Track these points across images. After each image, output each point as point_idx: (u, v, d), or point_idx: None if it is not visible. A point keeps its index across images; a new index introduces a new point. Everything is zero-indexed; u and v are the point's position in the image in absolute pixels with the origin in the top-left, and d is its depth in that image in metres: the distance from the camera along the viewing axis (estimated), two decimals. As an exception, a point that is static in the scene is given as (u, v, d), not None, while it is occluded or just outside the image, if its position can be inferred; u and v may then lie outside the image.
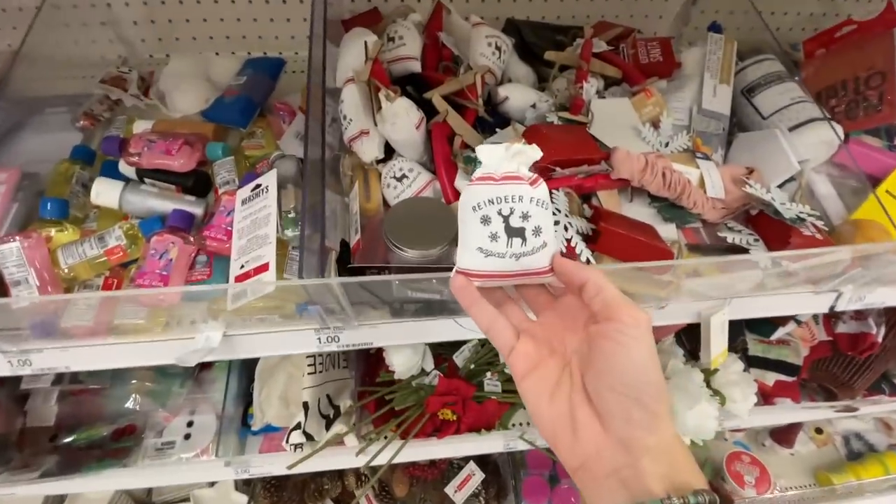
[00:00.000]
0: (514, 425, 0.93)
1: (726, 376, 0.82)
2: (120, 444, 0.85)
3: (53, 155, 0.68)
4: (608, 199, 0.59)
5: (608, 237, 0.52)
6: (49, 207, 0.58)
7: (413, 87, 0.67)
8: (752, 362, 0.91)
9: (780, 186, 0.66)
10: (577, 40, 0.75)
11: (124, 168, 0.65)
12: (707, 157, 0.66)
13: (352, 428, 0.77)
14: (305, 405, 0.73)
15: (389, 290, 0.52)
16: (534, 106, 0.65)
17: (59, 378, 0.85)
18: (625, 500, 0.29)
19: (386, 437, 0.80)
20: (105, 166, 0.66)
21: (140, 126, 0.69)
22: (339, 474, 1.05)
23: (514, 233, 0.35)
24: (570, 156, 0.56)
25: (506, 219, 0.35)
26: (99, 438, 0.86)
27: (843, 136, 0.67)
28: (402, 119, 0.56)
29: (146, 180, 0.64)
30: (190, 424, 0.87)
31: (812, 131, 0.65)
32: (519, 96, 0.66)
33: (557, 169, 0.56)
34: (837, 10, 0.98)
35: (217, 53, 0.88)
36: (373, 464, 0.79)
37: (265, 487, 1.02)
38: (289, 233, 0.54)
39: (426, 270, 0.51)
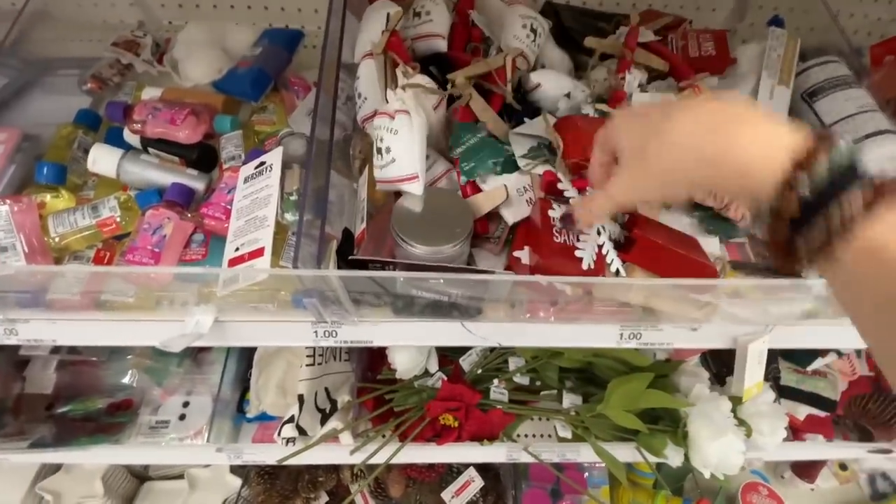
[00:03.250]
0: (519, 436, 0.88)
1: (755, 406, 0.75)
2: (115, 419, 0.83)
3: (60, 118, 0.66)
4: (645, 205, 0.53)
5: (644, 247, 0.46)
6: (45, 172, 0.55)
7: (437, 67, 0.62)
8: (783, 392, 0.84)
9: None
10: (621, 29, 0.69)
11: (129, 136, 0.61)
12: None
13: (348, 425, 0.73)
14: (301, 398, 0.69)
15: (393, 287, 0.48)
16: (568, 95, 0.59)
17: (58, 347, 0.83)
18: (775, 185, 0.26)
19: (384, 437, 0.77)
20: (110, 133, 0.63)
21: (148, 93, 0.65)
22: (335, 467, 1.03)
23: (377, 151, 0.49)
24: None
25: (376, 141, 0.49)
26: (94, 411, 0.84)
27: (916, 152, 0.59)
28: (421, 99, 0.51)
29: (150, 150, 0.61)
30: (186, 405, 0.84)
31: (881, 145, 0.58)
32: (552, 84, 0.60)
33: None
34: (910, 14, 0.89)
35: (237, 24, 0.84)
36: (369, 463, 0.75)
37: (259, 474, 1.00)
38: (289, 216, 0.50)
39: (435, 269, 0.46)
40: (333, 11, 0.56)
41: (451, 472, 1.02)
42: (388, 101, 0.48)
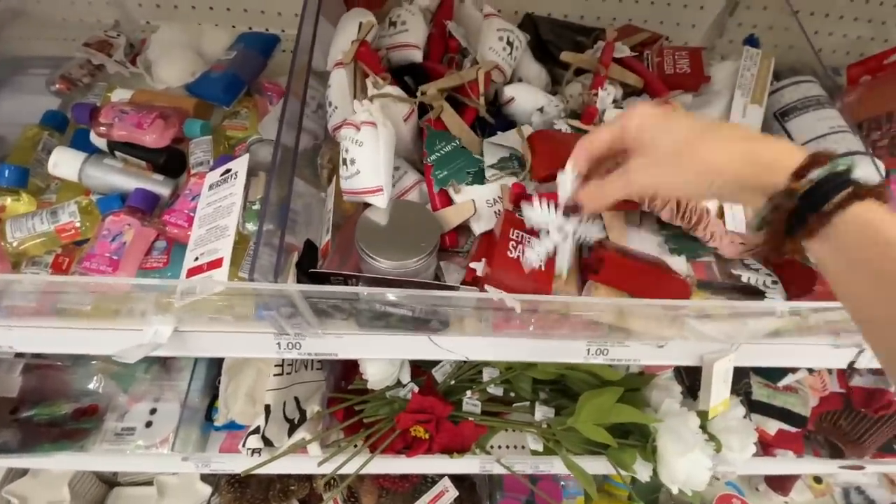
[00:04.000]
0: (493, 447, 0.88)
1: (725, 422, 0.75)
2: (79, 425, 0.82)
3: (30, 118, 0.64)
4: (613, 222, 0.53)
5: (612, 265, 0.46)
6: (6, 175, 0.54)
7: (412, 77, 0.62)
8: (754, 407, 0.84)
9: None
10: (599, 43, 0.69)
11: (96, 139, 0.60)
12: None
13: (316, 436, 0.72)
14: (267, 408, 0.68)
15: (357, 301, 0.47)
16: (541, 110, 0.59)
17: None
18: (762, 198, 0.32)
19: (356, 446, 0.76)
20: (77, 135, 0.62)
21: (118, 95, 0.64)
22: (308, 476, 1.01)
23: (343, 162, 0.48)
24: None
25: (342, 152, 0.48)
26: (60, 416, 0.82)
27: (884, 174, 0.60)
28: (390, 109, 0.50)
29: (117, 154, 0.60)
30: (153, 412, 0.83)
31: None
32: (526, 98, 0.60)
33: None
34: (888, 35, 0.90)
35: (217, 25, 0.84)
36: (342, 472, 0.74)
37: (229, 482, 0.98)
38: (250, 226, 0.49)
39: (396, 284, 0.46)
40: (306, 17, 0.55)
41: (425, 481, 1.01)
42: (355, 112, 0.47)
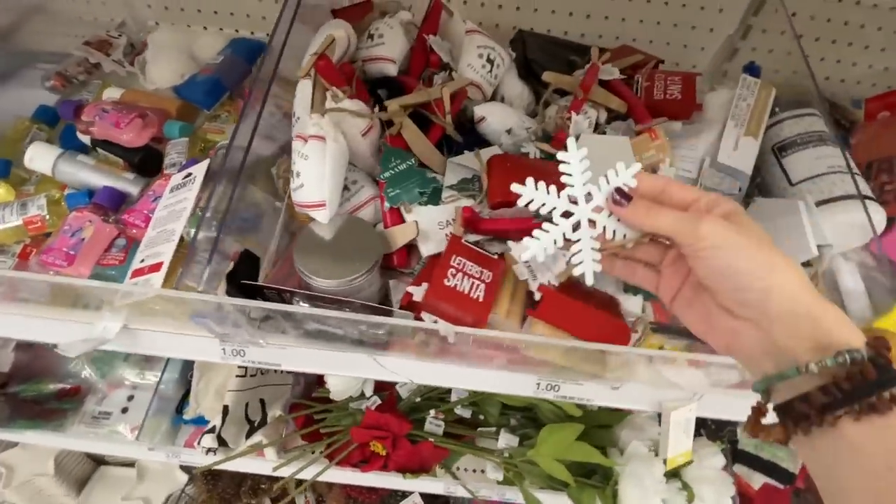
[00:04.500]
0: (459, 469, 0.86)
1: (701, 470, 0.70)
2: (60, 405, 0.85)
3: (28, 112, 0.68)
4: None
5: (550, 302, 0.44)
6: (-12, 164, 0.57)
7: (388, 91, 0.61)
8: (739, 457, 0.78)
9: (794, 269, 0.54)
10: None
11: (82, 135, 0.62)
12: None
13: (273, 441, 0.72)
14: (225, 409, 0.69)
15: (290, 315, 0.46)
16: (509, 131, 0.57)
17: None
18: (772, 368, 0.29)
19: (314, 453, 0.75)
20: (66, 131, 0.65)
21: (109, 93, 0.67)
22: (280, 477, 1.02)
23: (292, 174, 0.48)
24: None
25: (292, 163, 0.48)
26: (45, 394, 0.86)
27: (884, 222, 0.55)
28: (348, 124, 0.50)
29: (99, 150, 0.62)
30: (130, 398, 0.85)
31: (841, 210, 0.53)
32: (497, 118, 0.58)
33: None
34: (921, 68, 0.83)
35: (221, 29, 0.86)
36: (299, 477, 0.74)
37: (203, 474, 0.99)
38: (192, 231, 0.49)
39: (335, 302, 0.45)
40: (280, 24, 0.55)
41: (395, 494, 1.00)
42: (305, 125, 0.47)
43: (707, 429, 0.79)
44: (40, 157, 0.56)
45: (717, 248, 0.29)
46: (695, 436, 0.76)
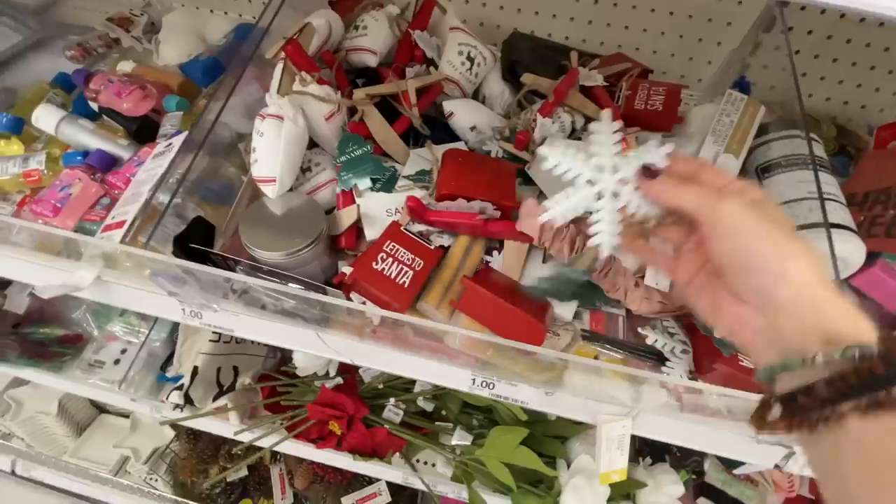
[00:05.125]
0: (418, 461, 0.87)
1: (657, 496, 0.68)
2: (61, 349, 0.92)
3: (51, 77, 0.74)
4: (512, 253, 0.51)
5: (472, 294, 0.44)
6: (3, 121, 0.63)
7: (367, 81, 0.63)
8: (704, 490, 0.75)
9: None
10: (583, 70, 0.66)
11: (92, 102, 0.68)
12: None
13: (237, 406, 0.76)
14: (195, 370, 0.73)
15: (239, 283, 0.49)
16: (473, 129, 0.58)
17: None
18: (776, 359, 0.28)
19: (280, 423, 0.78)
20: (80, 97, 0.71)
21: (123, 66, 0.72)
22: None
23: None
24: (471, 194, 0.49)
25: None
26: (50, 338, 0.94)
27: (863, 255, 0.51)
28: (312, 108, 0.52)
29: (105, 117, 0.68)
30: (123, 352, 0.92)
31: (811, 239, 0.51)
32: (464, 115, 0.59)
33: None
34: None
35: (240, 15, 0.91)
36: (259, 444, 0.78)
37: (187, 432, 1.05)
38: (161, 197, 0.53)
39: (273, 274, 0.47)
40: (270, 6, 0.58)
41: (360, 479, 1.02)
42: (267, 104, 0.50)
43: (672, 455, 0.76)
44: (45, 117, 0.62)
45: (735, 228, 0.29)
46: (657, 461, 0.74)
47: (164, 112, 0.68)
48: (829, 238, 0.48)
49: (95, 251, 0.51)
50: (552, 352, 0.43)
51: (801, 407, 0.26)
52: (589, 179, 0.32)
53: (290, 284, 0.46)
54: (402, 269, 0.45)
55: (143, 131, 0.66)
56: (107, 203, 0.59)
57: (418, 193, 0.52)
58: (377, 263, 0.44)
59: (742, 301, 0.30)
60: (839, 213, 0.53)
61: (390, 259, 0.45)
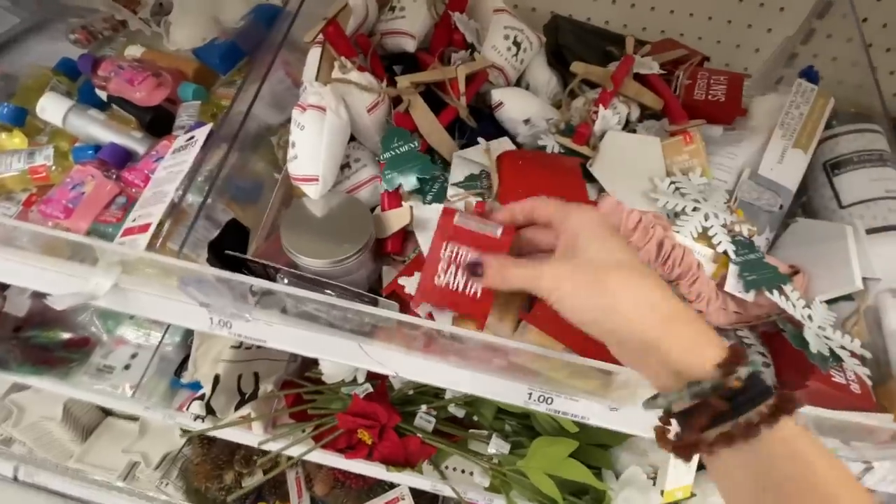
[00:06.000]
0: (447, 468, 0.83)
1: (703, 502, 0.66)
2: (68, 354, 0.87)
3: (52, 63, 0.68)
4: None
5: (544, 306, 0.40)
6: (4, 112, 0.57)
7: (405, 67, 0.58)
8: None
9: (832, 302, 0.49)
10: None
11: (99, 90, 0.62)
12: (747, 239, 0.50)
13: (261, 415, 0.72)
14: (216, 378, 0.69)
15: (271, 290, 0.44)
16: (527, 121, 0.53)
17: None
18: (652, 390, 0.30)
19: (304, 432, 0.74)
20: (86, 85, 0.65)
21: (131, 51, 0.66)
22: (273, 449, 1.02)
23: (289, 144, 0.45)
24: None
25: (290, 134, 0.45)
26: (56, 342, 0.89)
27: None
28: (353, 97, 0.47)
29: (114, 106, 0.62)
30: (134, 356, 0.87)
31: (894, 241, 0.47)
32: (516, 105, 0.54)
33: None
34: None
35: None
36: (287, 453, 0.74)
37: (200, 437, 1.01)
38: (190, 197, 0.48)
39: (319, 283, 0.43)
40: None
41: (382, 484, 0.99)
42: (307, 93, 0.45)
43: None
44: (52, 107, 0.56)
45: (560, 301, 0.31)
46: (701, 469, 0.71)
47: (178, 101, 0.62)
48: (925, 243, 0.44)
49: (114, 258, 0.46)
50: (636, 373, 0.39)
51: (682, 432, 0.28)
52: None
53: (332, 293, 0.41)
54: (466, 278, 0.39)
55: (158, 122, 0.60)
56: (123, 203, 0.53)
57: (474, 202, 0.48)
58: (439, 277, 0.38)
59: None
60: (922, 214, 0.49)
61: (452, 267, 0.39)
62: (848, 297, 0.48)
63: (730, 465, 0.27)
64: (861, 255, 0.47)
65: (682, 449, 0.28)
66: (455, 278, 0.38)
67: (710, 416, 0.26)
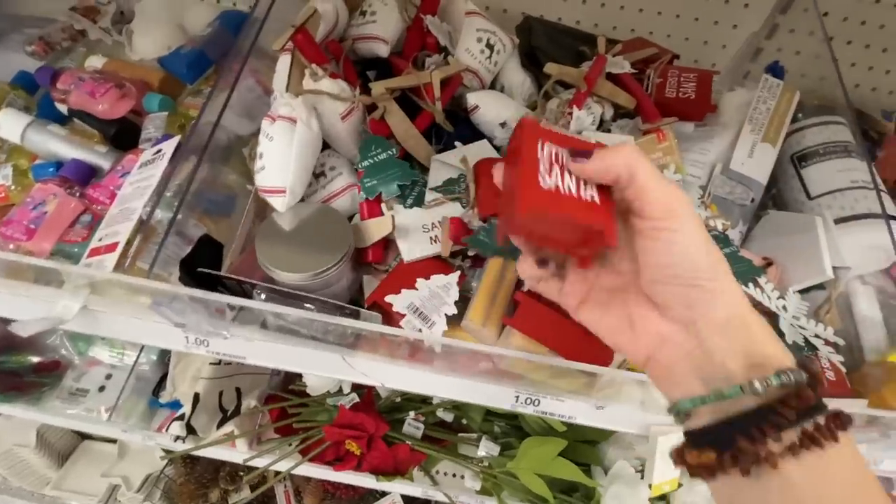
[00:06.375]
0: (437, 473, 0.83)
1: (691, 496, 0.67)
2: (39, 379, 0.84)
3: (9, 77, 0.65)
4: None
5: (528, 311, 0.40)
6: (-43, 129, 0.54)
7: (379, 73, 0.57)
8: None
9: (805, 292, 0.50)
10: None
11: (60, 104, 0.60)
12: (721, 233, 0.51)
13: (244, 432, 0.70)
14: (196, 397, 0.67)
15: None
16: (503, 124, 0.53)
17: None
18: (700, 388, 0.25)
19: (291, 445, 0.73)
20: (45, 98, 0.62)
21: (91, 62, 0.64)
22: (259, 464, 1.00)
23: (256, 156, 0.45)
24: None
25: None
26: (25, 366, 0.85)
27: (910, 246, 0.49)
28: (326, 105, 0.46)
29: (76, 120, 0.59)
30: (108, 377, 0.84)
31: (862, 230, 0.49)
32: (492, 108, 0.54)
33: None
34: (965, 78, 0.76)
35: (218, 1, 0.82)
36: (274, 468, 0.72)
37: (182, 457, 0.98)
38: (158, 213, 0.46)
39: (298, 297, 0.42)
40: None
41: (373, 492, 0.98)
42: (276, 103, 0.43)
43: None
44: (9, 123, 0.53)
45: (680, 231, 0.25)
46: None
47: (144, 113, 0.60)
48: (890, 230, 0.46)
49: (81, 280, 0.44)
50: (622, 373, 0.39)
51: (738, 447, 0.23)
52: None
53: (313, 308, 0.41)
54: (578, 179, 0.26)
55: (123, 135, 0.58)
56: (88, 221, 0.51)
57: (451, 207, 0.47)
58: (544, 179, 0.25)
59: (668, 318, 0.27)
60: (887, 201, 0.51)
61: (557, 167, 0.26)
62: (820, 287, 0.50)
63: (796, 477, 0.22)
64: (831, 244, 0.49)
65: (742, 462, 0.23)
66: (564, 180, 0.26)
67: (801, 410, 0.22)
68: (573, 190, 0.26)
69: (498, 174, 0.29)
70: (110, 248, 0.43)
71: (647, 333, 0.27)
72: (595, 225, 0.26)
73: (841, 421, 0.22)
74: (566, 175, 0.26)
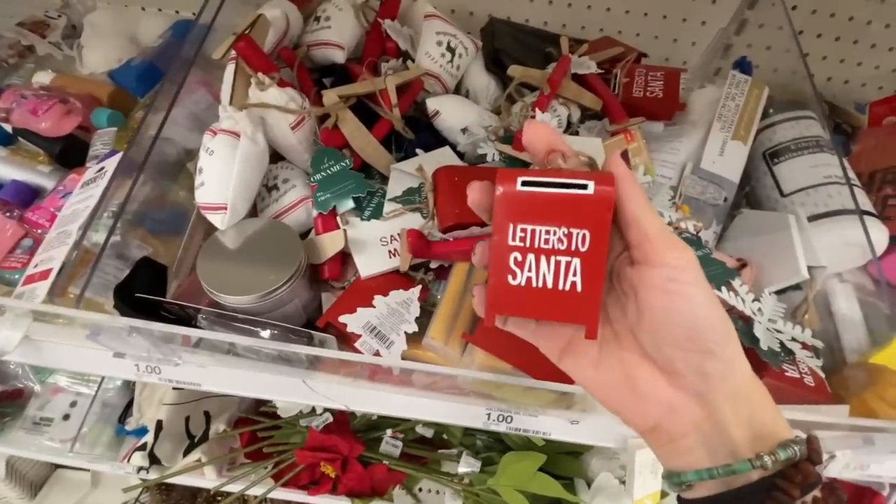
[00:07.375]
0: (420, 490, 0.80)
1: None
2: (1, 409, 0.80)
3: (-48, 94, 0.62)
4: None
5: (485, 327, 0.38)
6: None
7: (336, 80, 0.55)
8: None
9: (782, 292, 0.48)
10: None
11: (4, 123, 0.57)
12: (693, 235, 0.49)
13: (215, 458, 0.67)
14: (159, 424, 0.64)
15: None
16: (464, 130, 0.51)
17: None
18: (705, 459, 0.24)
19: (266, 469, 0.70)
20: (-11, 116, 0.59)
21: (39, 78, 0.61)
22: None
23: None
24: (478, 218, 0.40)
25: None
26: (-14, 397, 0.81)
27: (885, 241, 0.48)
28: (275, 116, 0.44)
29: (21, 140, 0.57)
30: (73, 405, 0.80)
31: (836, 227, 0.47)
32: (453, 113, 0.52)
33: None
34: (933, 69, 0.76)
35: (177, 11, 0.80)
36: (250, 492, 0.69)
37: (157, 484, 0.94)
38: (94, 236, 0.44)
39: (245, 320, 0.39)
40: (209, 2, 0.50)
41: (357, 511, 0.95)
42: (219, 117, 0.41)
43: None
44: (-58, 146, 0.50)
45: (697, 285, 0.22)
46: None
47: (93, 129, 0.58)
48: (864, 226, 0.44)
49: (20, 309, 0.41)
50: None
51: None
52: None
53: (268, 332, 0.38)
54: (557, 262, 0.23)
55: (69, 154, 0.56)
56: (29, 245, 0.49)
57: (411, 218, 0.45)
58: (515, 276, 0.24)
59: (676, 387, 0.24)
60: (861, 197, 0.49)
61: (531, 255, 0.23)
62: (797, 287, 0.48)
63: None
64: (805, 243, 0.47)
65: None
66: (539, 271, 0.24)
67: (804, 486, 0.21)
68: (549, 280, 0.23)
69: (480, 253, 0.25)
70: (44, 274, 0.40)
71: (656, 402, 0.24)
72: (571, 322, 0.24)
73: (837, 497, 0.22)
74: (542, 261, 0.23)
